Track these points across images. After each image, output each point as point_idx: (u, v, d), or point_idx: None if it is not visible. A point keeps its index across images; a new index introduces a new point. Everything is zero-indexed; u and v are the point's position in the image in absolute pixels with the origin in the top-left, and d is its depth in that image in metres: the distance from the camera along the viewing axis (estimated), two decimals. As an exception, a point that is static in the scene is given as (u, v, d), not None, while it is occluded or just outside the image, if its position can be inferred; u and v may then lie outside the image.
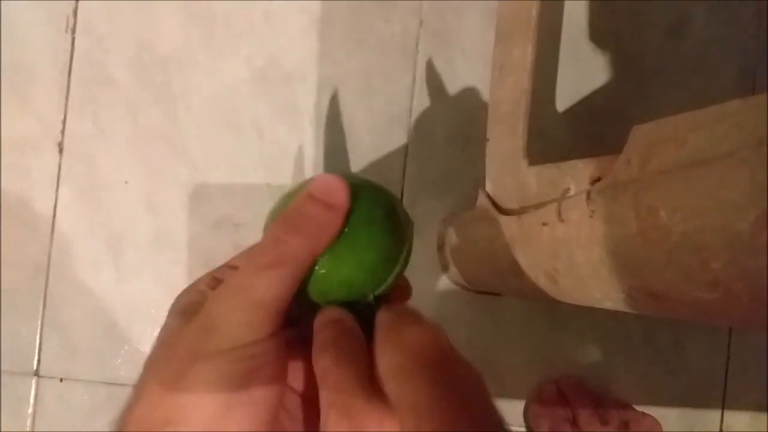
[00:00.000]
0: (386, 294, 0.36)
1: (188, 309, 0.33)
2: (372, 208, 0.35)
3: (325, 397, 0.30)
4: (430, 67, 0.86)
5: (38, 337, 0.80)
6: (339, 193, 0.33)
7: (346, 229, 0.34)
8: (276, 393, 0.32)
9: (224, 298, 0.31)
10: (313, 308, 0.35)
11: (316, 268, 0.33)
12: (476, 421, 0.29)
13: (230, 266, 0.38)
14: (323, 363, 0.31)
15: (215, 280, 0.36)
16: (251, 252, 0.33)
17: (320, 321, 0.33)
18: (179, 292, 0.36)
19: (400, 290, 0.38)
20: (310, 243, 0.32)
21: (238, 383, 0.30)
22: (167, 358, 0.31)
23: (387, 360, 0.30)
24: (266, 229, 0.35)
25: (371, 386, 0.30)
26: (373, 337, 0.32)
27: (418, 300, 0.86)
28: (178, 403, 0.30)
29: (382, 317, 0.33)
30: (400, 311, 0.33)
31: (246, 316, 0.31)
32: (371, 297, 0.35)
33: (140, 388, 0.31)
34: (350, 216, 0.34)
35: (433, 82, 0.86)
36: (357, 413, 0.29)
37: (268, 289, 0.31)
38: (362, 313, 0.34)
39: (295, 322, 0.34)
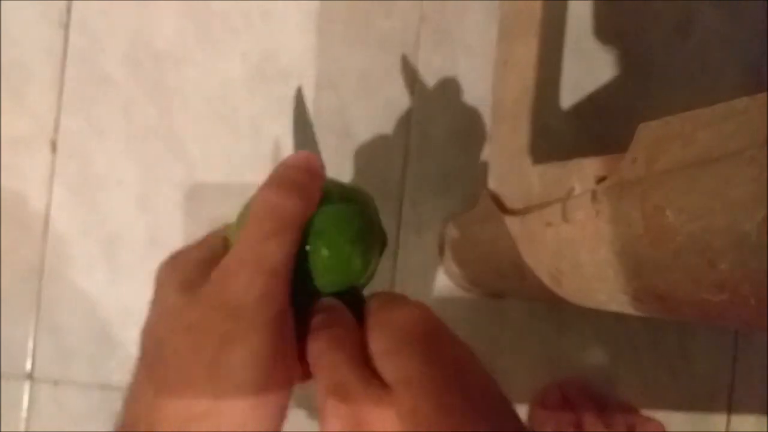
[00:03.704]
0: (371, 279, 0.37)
1: (191, 283, 0.32)
2: (345, 191, 0.38)
3: (320, 382, 0.30)
4: (431, 64, 0.85)
5: (32, 339, 0.80)
6: (315, 159, 0.36)
7: (331, 209, 0.35)
8: (296, 376, 0.33)
9: (236, 271, 0.31)
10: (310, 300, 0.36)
11: (314, 248, 0.34)
12: (472, 392, 0.30)
13: (221, 237, 0.37)
14: (317, 347, 0.31)
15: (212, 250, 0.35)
16: (252, 220, 0.33)
17: (314, 308, 0.34)
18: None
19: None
20: (304, 204, 0.33)
21: (272, 365, 0.30)
22: (194, 345, 0.30)
23: (379, 341, 0.31)
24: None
25: (366, 368, 0.30)
26: (364, 325, 0.33)
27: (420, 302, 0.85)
28: (214, 395, 0.29)
29: (371, 303, 0.34)
30: (387, 296, 0.34)
31: (265, 287, 0.30)
32: (363, 280, 0.36)
33: (160, 376, 0.31)
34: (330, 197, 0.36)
35: (434, 79, 0.85)
36: (354, 397, 0.29)
37: (278, 255, 0.31)
38: (352, 303, 0.35)
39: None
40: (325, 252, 0.34)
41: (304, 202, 0.33)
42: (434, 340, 0.31)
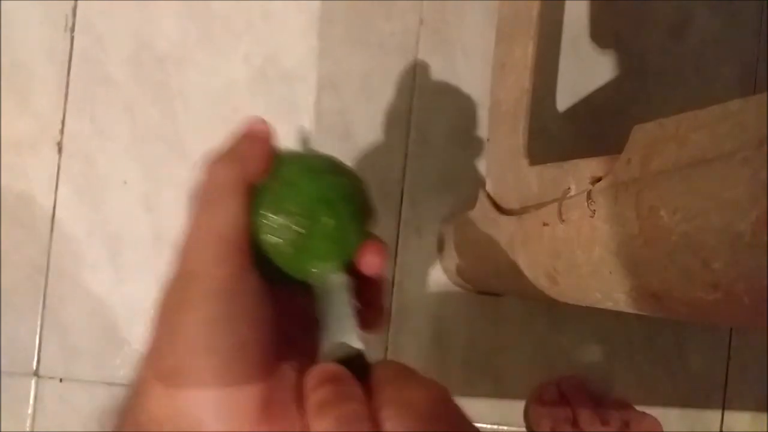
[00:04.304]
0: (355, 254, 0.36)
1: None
2: (314, 161, 0.37)
3: None
4: (431, 66, 0.86)
5: (38, 337, 0.80)
6: (259, 124, 0.35)
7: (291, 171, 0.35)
8: (268, 341, 0.31)
9: (191, 241, 0.32)
10: (285, 280, 0.35)
11: (315, 218, 0.34)
12: None
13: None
14: (325, 426, 0.29)
15: None
16: (197, 193, 0.34)
17: (316, 377, 0.32)
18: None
19: (370, 255, 0.37)
20: (243, 170, 0.33)
21: (229, 325, 0.30)
22: (159, 318, 0.31)
23: (392, 422, 0.29)
24: None
25: None
26: (367, 387, 0.32)
27: (419, 301, 0.86)
28: (175, 355, 0.30)
29: (380, 374, 0.32)
30: (400, 370, 0.33)
31: (215, 252, 0.31)
32: (338, 260, 0.36)
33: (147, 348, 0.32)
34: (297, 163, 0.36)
35: (434, 80, 0.86)
36: None
37: (225, 220, 0.32)
38: (356, 363, 0.34)
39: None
40: (326, 220, 0.34)
41: (241, 166, 0.33)
42: (449, 423, 0.30)
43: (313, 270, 0.36)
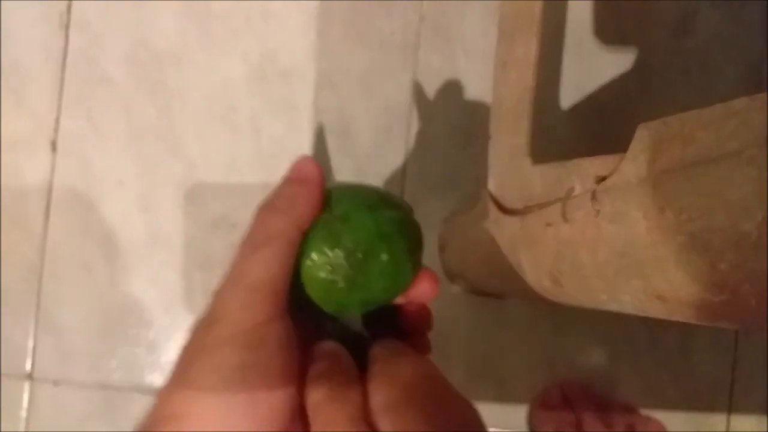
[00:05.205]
0: (404, 292, 0.37)
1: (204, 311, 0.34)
2: (367, 194, 0.36)
3: None
4: (431, 64, 0.85)
5: (32, 339, 0.80)
6: (308, 166, 0.35)
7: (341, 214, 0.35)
8: (285, 393, 0.32)
9: (223, 288, 0.32)
10: (327, 318, 0.36)
11: (373, 254, 0.34)
12: None
13: None
14: (315, 398, 0.31)
15: None
16: (242, 240, 0.34)
17: (315, 353, 0.33)
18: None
19: (425, 283, 0.38)
20: (292, 217, 0.33)
21: (241, 375, 0.30)
22: (178, 358, 0.32)
23: (380, 395, 0.30)
24: None
25: (363, 424, 0.29)
26: (366, 370, 0.33)
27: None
28: (182, 399, 0.30)
29: (375, 352, 0.33)
30: (392, 347, 0.34)
31: (243, 299, 0.31)
32: (392, 295, 0.36)
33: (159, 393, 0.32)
34: (344, 203, 0.35)
35: (434, 78, 0.85)
36: None
37: (261, 269, 0.32)
38: (355, 345, 0.34)
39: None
40: (384, 257, 0.34)
41: (290, 216, 0.34)
42: (436, 398, 0.31)
43: (361, 306, 0.36)
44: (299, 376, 0.33)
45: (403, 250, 0.35)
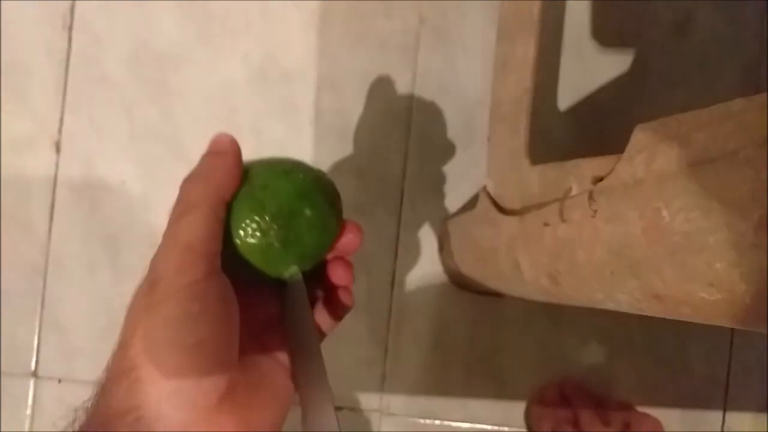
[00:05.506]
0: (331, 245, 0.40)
1: None
2: (280, 163, 0.40)
3: None
4: (431, 65, 0.86)
5: (36, 338, 0.80)
6: (223, 139, 0.39)
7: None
8: (230, 337, 0.34)
9: (159, 252, 0.35)
10: (260, 278, 0.39)
11: (298, 210, 0.38)
12: None
13: None
14: None
15: None
16: (170, 210, 0.37)
17: None
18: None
19: (350, 233, 0.42)
20: (212, 184, 0.37)
21: (187, 324, 0.32)
22: (126, 320, 0.35)
23: None
24: None
25: None
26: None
27: (419, 301, 0.86)
28: (135, 353, 0.32)
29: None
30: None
31: (179, 259, 0.34)
32: (323, 246, 0.40)
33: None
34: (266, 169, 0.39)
35: (434, 79, 0.86)
36: None
37: (190, 231, 0.35)
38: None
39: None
40: (308, 212, 0.37)
41: (207, 182, 0.37)
42: None
43: (299, 261, 0.38)
44: (241, 330, 0.35)
45: (323, 203, 0.38)
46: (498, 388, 0.87)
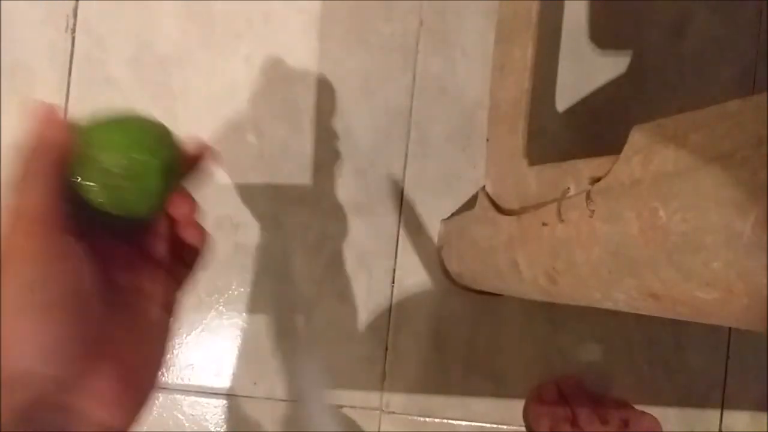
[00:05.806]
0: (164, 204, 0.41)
1: None
2: (113, 119, 0.40)
3: None
4: (430, 67, 0.86)
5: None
6: (40, 110, 0.38)
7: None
8: (79, 290, 0.35)
9: (6, 226, 0.35)
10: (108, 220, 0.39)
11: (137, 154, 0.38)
12: None
13: None
14: None
15: None
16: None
17: None
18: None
19: (180, 202, 0.42)
20: (42, 153, 0.37)
21: (42, 286, 0.33)
22: None
23: None
24: None
25: None
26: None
27: (419, 300, 0.86)
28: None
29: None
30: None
31: (23, 229, 0.34)
32: (167, 185, 0.40)
33: None
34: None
35: (433, 81, 0.86)
36: None
37: (31, 202, 0.35)
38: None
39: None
40: (144, 157, 0.38)
41: (40, 153, 0.37)
42: None
43: (150, 202, 0.39)
44: (106, 275, 0.37)
45: (153, 145, 0.39)
46: (496, 387, 0.87)
